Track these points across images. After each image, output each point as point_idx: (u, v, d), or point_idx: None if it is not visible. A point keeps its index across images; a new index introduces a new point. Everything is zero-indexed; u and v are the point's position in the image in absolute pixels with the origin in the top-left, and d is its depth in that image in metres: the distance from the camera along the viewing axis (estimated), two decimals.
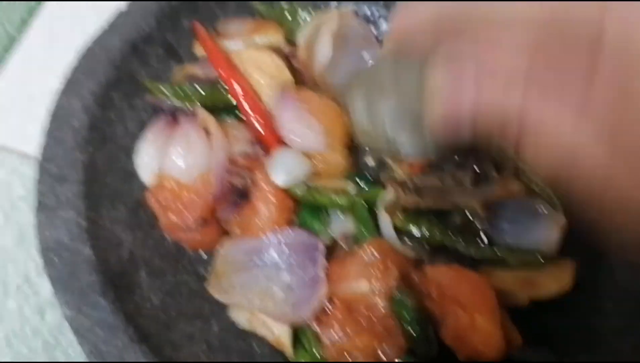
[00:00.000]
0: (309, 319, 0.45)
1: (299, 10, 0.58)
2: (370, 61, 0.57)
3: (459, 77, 0.28)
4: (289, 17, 0.58)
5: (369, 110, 0.41)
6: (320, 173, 0.51)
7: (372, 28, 0.60)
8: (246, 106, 0.52)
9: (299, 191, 0.49)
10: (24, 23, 0.69)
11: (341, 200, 0.49)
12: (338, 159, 0.51)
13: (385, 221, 0.48)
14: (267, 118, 0.52)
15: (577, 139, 0.26)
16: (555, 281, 0.48)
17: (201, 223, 0.49)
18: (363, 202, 0.49)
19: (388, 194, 0.49)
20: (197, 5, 0.55)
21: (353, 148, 0.53)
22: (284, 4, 0.58)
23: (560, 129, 0.26)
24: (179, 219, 0.48)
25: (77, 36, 0.51)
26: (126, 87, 0.52)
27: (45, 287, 0.55)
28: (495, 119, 0.27)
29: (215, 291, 0.46)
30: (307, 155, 0.51)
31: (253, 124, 0.52)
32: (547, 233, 0.49)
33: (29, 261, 0.56)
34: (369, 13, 0.61)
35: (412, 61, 0.34)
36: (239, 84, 0.52)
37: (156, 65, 0.54)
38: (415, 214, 0.49)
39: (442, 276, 0.45)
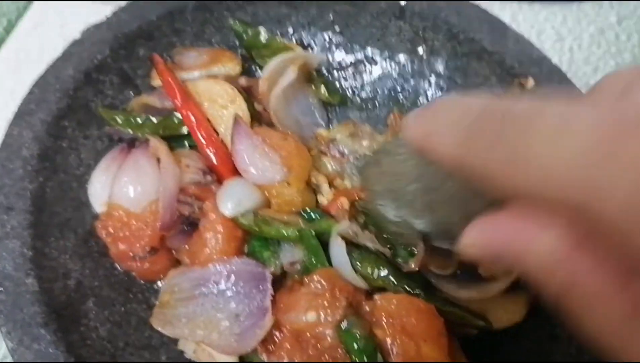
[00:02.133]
0: (254, 350, 0.44)
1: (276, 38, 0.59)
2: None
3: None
4: (263, 42, 0.58)
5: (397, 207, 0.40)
6: (274, 206, 0.51)
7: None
8: (200, 136, 0.52)
9: (245, 222, 0.48)
10: None
11: (289, 232, 0.49)
12: (293, 193, 0.51)
13: (339, 248, 0.48)
14: (221, 149, 0.52)
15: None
16: (507, 313, 0.48)
17: (150, 252, 0.48)
18: (312, 232, 0.49)
19: (343, 224, 0.49)
20: (154, 34, 0.55)
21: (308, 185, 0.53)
22: (262, 30, 0.59)
23: (607, 306, 0.25)
24: (128, 248, 0.48)
25: (43, 66, 0.52)
26: (80, 116, 0.52)
27: None
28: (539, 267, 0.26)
29: (159, 323, 0.46)
30: (262, 188, 0.51)
31: (207, 154, 0.52)
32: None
33: None
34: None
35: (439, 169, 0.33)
36: (193, 114, 0.53)
37: (111, 93, 0.54)
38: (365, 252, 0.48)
39: (390, 305, 0.45)
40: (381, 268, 0.47)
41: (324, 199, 0.52)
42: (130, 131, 0.52)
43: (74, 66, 0.52)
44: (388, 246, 0.49)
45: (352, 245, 0.48)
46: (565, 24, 0.76)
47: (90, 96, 0.53)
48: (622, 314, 0.25)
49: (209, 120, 0.53)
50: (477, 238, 0.29)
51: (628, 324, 0.25)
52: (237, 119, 0.52)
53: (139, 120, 0.53)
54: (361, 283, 0.47)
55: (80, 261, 0.48)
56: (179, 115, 0.53)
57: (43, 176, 0.48)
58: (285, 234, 0.48)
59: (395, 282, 0.47)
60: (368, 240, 0.48)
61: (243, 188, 0.50)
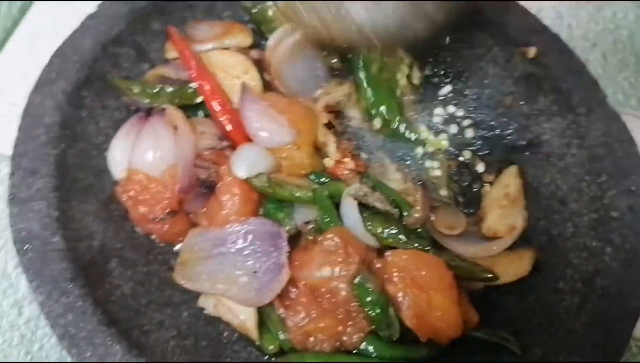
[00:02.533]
0: (274, 303, 0.47)
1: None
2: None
3: None
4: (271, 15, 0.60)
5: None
6: (284, 169, 0.53)
7: None
8: (215, 105, 0.54)
9: (259, 184, 0.50)
10: (7, 32, 0.71)
11: (301, 194, 0.51)
12: (303, 156, 0.53)
13: (351, 207, 0.50)
14: (234, 116, 0.54)
15: None
16: (513, 268, 0.50)
17: (169, 214, 0.50)
18: (325, 192, 0.51)
19: (353, 186, 0.51)
20: (166, 8, 0.57)
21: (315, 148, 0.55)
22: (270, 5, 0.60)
23: None
24: (148, 211, 0.50)
25: (58, 44, 0.54)
26: (98, 87, 0.54)
27: (22, 283, 0.56)
28: None
29: (181, 278, 0.48)
30: (273, 151, 0.53)
31: (221, 122, 0.54)
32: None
33: (7, 257, 0.57)
34: None
35: None
36: (208, 84, 0.55)
37: (127, 66, 0.56)
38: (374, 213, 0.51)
39: (401, 260, 0.47)
40: (391, 227, 0.49)
41: (330, 161, 0.54)
42: (147, 100, 0.54)
43: (91, 38, 0.54)
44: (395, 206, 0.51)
45: (361, 206, 0.50)
46: (563, 2, 0.78)
47: (108, 68, 0.54)
48: None
49: (222, 90, 0.55)
50: None
51: None
52: (244, 87, 0.54)
53: (154, 90, 0.55)
54: (372, 241, 0.49)
55: (102, 224, 0.50)
56: (192, 86, 0.55)
57: (65, 143, 0.50)
58: (298, 195, 0.51)
59: (404, 239, 0.49)
60: (377, 200, 0.50)
61: (255, 152, 0.52)
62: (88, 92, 0.53)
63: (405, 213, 0.50)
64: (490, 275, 0.49)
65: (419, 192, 0.51)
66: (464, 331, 0.46)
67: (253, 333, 0.47)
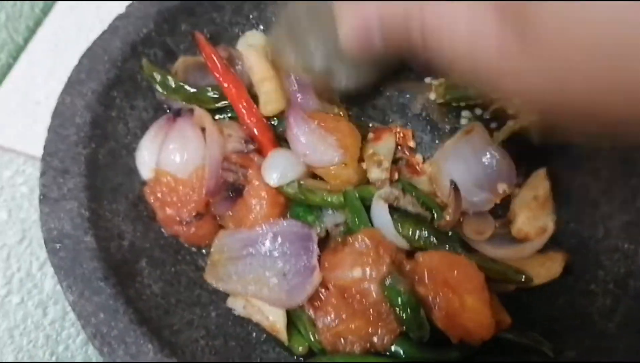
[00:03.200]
0: (304, 304, 0.46)
1: None
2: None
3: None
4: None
5: (300, 49, 0.48)
6: (332, 185, 0.52)
7: None
8: (241, 108, 0.54)
9: (291, 191, 0.50)
10: (30, 31, 0.72)
11: (332, 199, 0.51)
12: (350, 173, 0.53)
13: (382, 209, 0.50)
14: (261, 120, 0.54)
15: (474, 27, 0.28)
16: (544, 270, 0.50)
17: (196, 217, 0.50)
18: (356, 193, 0.51)
19: (385, 188, 0.51)
20: (195, 9, 0.57)
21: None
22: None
23: (457, 21, 0.28)
24: (175, 213, 0.50)
25: (81, 44, 0.54)
26: (127, 87, 0.54)
27: (47, 283, 0.57)
28: (399, 25, 0.31)
29: (212, 279, 0.48)
30: (321, 169, 0.52)
31: (248, 125, 0.54)
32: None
33: (31, 258, 0.57)
34: None
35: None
36: (234, 87, 0.54)
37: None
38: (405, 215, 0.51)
39: (432, 262, 0.47)
40: (422, 229, 0.49)
41: (381, 174, 0.53)
42: (173, 96, 0.54)
43: (120, 38, 0.54)
44: (426, 209, 0.51)
45: (392, 208, 0.50)
46: None
47: (137, 68, 0.54)
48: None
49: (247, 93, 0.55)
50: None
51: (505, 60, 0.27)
52: (292, 103, 0.54)
53: (172, 84, 0.55)
54: (403, 243, 0.49)
55: (131, 224, 0.50)
56: (212, 92, 0.55)
57: (95, 142, 0.50)
58: (330, 201, 0.50)
59: (436, 242, 0.49)
60: (409, 203, 0.50)
61: (287, 160, 0.52)
62: (117, 93, 0.53)
63: (436, 216, 0.50)
64: (524, 277, 0.48)
65: (451, 194, 0.51)
66: (495, 332, 0.45)
67: (282, 334, 0.47)
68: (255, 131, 0.54)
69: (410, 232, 0.49)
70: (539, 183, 0.53)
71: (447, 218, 0.50)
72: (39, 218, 0.46)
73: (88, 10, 0.72)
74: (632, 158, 0.49)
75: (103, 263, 0.45)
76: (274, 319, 0.47)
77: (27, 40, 0.71)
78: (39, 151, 0.62)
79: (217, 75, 0.55)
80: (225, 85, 0.55)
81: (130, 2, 0.56)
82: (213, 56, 0.55)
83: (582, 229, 0.51)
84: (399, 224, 0.49)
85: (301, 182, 0.51)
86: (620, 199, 0.50)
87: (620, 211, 0.49)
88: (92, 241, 0.45)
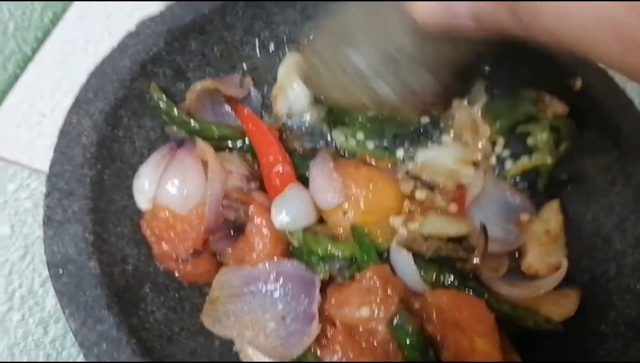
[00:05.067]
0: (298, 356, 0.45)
1: None
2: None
3: None
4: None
5: (341, 61, 0.44)
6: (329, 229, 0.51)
7: None
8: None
9: (295, 241, 0.49)
10: (38, 42, 0.71)
11: (337, 251, 0.49)
12: (348, 225, 0.51)
13: (405, 258, 0.48)
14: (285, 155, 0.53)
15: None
16: (559, 308, 0.49)
17: (193, 255, 0.49)
18: (365, 229, 0.50)
19: (402, 233, 0.50)
20: (205, 28, 0.56)
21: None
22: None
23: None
24: (171, 250, 0.49)
25: (89, 57, 0.53)
26: (135, 106, 0.53)
27: (49, 300, 0.56)
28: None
29: (209, 321, 0.47)
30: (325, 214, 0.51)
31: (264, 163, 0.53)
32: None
33: (34, 274, 0.56)
34: None
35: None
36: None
37: (164, 85, 0.55)
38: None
39: (441, 301, 0.46)
40: (447, 274, 0.49)
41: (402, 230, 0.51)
42: (177, 127, 0.54)
43: (129, 57, 0.53)
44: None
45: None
46: None
47: (145, 87, 0.54)
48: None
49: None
50: None
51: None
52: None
53: (177, 114, 0.54)
54: (425, 288, 0.48)
55: (136, 247, 0.49)
56: (216, 131, 0.54)
57: (101, 163, 0.49)
58: (334, 254, 0.49)
59: (460, 286, 0.48)
60: (431, 250, 0.49)
61: (302, 202, 0.50)
62: (125, 112, 0.52)
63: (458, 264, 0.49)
64: (547, 322, 0.48)
65: (480, 237, 0.49)
66: None
67: None
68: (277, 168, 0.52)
69: (434, 277, 0.48)
70: (552, 217, 0.52)
71: (475, 261, 0.48)
72: (43, 241, 0.45)
73: (97, 22, 0.72)
74: None
75: (107, 290, 0.44)
76: None
77: (35, 51, 0.70)
78: (43, 165, 0.62)
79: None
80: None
81: (141, 20, 0.55)
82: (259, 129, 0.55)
83: (594, 266, 0.50)
84: (422, 271, 0.48)
85: (306, 230, 0.50)
86: (634, 236, 0.49)
87: (634, 249, 0.49)
88: (96, 267, 0.44)
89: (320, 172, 0.51)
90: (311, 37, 0.52)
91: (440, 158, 0.56)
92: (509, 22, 0.30)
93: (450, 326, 0.44)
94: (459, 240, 0.51)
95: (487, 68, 0.58)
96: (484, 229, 0.48)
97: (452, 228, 0.51)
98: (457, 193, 0.54)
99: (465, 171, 0.54)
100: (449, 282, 0.49)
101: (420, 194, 0.54)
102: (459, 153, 0.55)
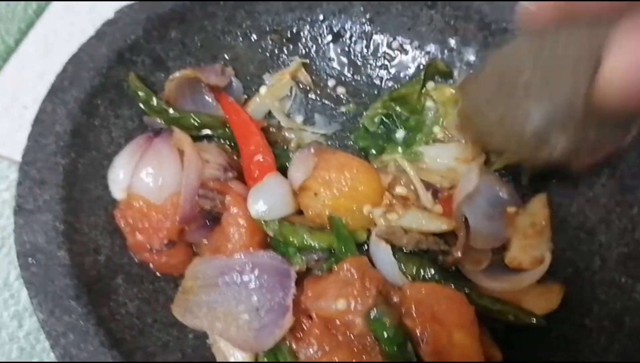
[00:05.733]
0: (282, 339, 0.44)
1: None
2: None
3: None
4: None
5: (510, 109, 0.39)
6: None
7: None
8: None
9: (270, 231, 0.48)
10: (22, 33, 0.70)
11: (313, 242, 0.48)
12: (319, 209, 0.50)
13: (385, 250, 0.47)
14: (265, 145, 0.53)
15: None
16: (543, 302, 0.48)
17: (168, 245, 0.48)
18: (342, 221, 0.49)
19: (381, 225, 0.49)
20: (186, 17, 0.55)
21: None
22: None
23: None
24: (145, 240, 0.48)
25: (73, 47, 0.52)
26: (112, 95, 0.52)
27: (24, 293, 0.55)
28: None
29: (179, 311, 0.45)
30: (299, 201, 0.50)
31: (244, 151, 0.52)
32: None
33: (10, 267, 0.56)
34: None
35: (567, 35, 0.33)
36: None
37: (143, 74, 0.54)
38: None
39: (420, 294, 0.45)
40: (427, 268, 0.47)
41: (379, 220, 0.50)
42: (154, 115, 0.53)
43: (107, 45, 0.52)
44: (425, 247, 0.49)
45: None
46: None
47: (123, 76, 0.53)
48: None
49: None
50: None
51: None
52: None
53: (155, 103, 0.53)
54: (403, 282, 0.47)
55: (110, 237, 0.48)
56: (194, 119, 0.53)
57: (75, 152, 0.49)
58: (309, 244, 0.48)
59: (442, 281, 0.47)
60: (411, 243, 0.48)
61: (280, 191, 0.49)
62: (102, 101, 0.51)
63: (440, 257, 0.48)
64: (530, 318, 0.46)
65: (462, 230, 0.48)
66: None
67: None
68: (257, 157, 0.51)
69: (415, 271, 0.47)
70: (539, 210, 0.51)
71: (457, 254, 0.47)
72: (13, 230, 0.44)
73: (81, 14, 0.71)
74: (631, 186, 0.47)
75: (76, 281, 0.43)
76: None
77: (18, 42, 0.69)
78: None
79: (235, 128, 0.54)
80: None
81: (120, 7, 0.54)
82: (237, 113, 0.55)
83: (578, 259, 0.49)
84: (402, 264, 0.47)
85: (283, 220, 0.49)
86: (619, 228, 0.48)
87: (619, 242, 0.47)
88: (66, 256, 0.44)
89: (300, 155, 0.51)
90: (471, 78, 0.48)
91: (440, 155, 0.54)
92: None
93: (429, 319, 0.43)
94: (440, 234, 0.50)
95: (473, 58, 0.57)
96: (465, 222, 0.47)
97: (433, 224, 0.49)
98: (447, 194, 0.53)
99: (461, 169, 0.53)
100: (430, 275, 0.47)
101: (401, 189, 0.52)
102: (459, 151, 0.54)
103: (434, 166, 0.53)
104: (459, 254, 0.48)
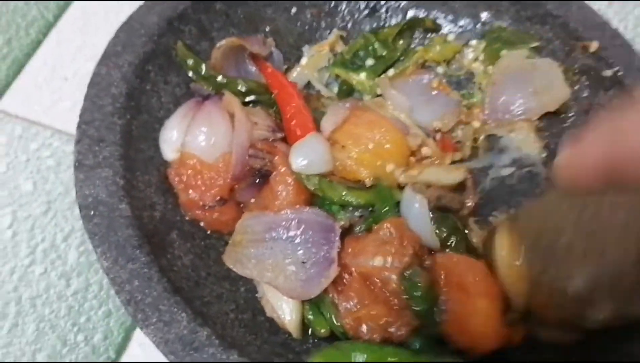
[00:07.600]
0: (328, 287, 0.46)
1: None
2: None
3: None
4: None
5: (547, 270, 0.37)
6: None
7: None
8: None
9: (311, 186, 0.50)
10: (60, 9, 0.72)
11: (353, 199, 0.50)
12: (354, 165, 0.52)
13: (421, 205, 0.49)
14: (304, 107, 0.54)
15: None
16: None
17: (219, 202, 0.50)
18: (384, 183, 0.51)
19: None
20: None
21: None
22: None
23: None
24: (198, 197, 0.49)
25: (110, 22, 0.54)
26: (161, 61, 0.54)
27: (71, 254, 0.56)
28: None
29: (230, 261, 0.47)
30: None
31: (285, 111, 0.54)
32: None
33: (56, 229, 0.57)
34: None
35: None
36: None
37: (190, 43, 0.56)
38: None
39: (450, 263, 0.47)
40: (458, 237, 0.49)
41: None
42: (204, 82, 0.55)
43: (157, 13, 0.54)
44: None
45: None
46: (611, 6, 0.79)
47: (172, 44, 0.55)
48: None
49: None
50: None
51: None
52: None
53: (203, 70, 0.55)
54: (435, 243, 0.49)
55: (162, 196, 0.50)
56: (242, 85, 0.55)
57: (130, 114, 0.50)
58: (348, 200, 0.50)
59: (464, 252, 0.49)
60: (450, 200, 0.50)
61: (321, 150, 0.51)
62: (152, 67, 0.53)
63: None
64: None
65: (470, 180, 0.51)
66: (504, 345, 0.44)
67: (295, 332, 0.47)
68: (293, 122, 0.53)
69: (445, 236, 0.49)
70: None
71: (469, 204, 0.50)
72: (74, 185, 0.46)
73: None
74: None
75: (137, 231, 0.45)
76: (286, 318, 0.47)
77: (57, 18, 0.71)
78: (65, 125, 0.63)
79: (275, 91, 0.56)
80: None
81: None
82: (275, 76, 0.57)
83: None
84: (435, 224, 0.49)
85: (323, 177, 0.51)
86: None
87: None
88: (127, 209, 0.45)
89: (334, 107, 0.54)
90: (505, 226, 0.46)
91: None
92: None
93: (455, 288, 0.44)
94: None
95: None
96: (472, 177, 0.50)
97: (451, 176, 0.52)
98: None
99: None
100: (456, 242, 0.49)
101: (427, 150, 0.55)
102: None
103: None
104: (470, 204, 0.51)
